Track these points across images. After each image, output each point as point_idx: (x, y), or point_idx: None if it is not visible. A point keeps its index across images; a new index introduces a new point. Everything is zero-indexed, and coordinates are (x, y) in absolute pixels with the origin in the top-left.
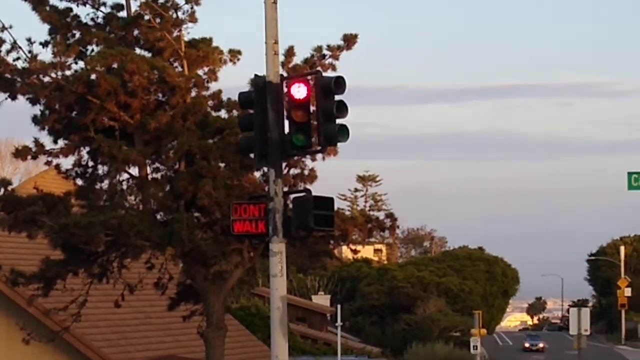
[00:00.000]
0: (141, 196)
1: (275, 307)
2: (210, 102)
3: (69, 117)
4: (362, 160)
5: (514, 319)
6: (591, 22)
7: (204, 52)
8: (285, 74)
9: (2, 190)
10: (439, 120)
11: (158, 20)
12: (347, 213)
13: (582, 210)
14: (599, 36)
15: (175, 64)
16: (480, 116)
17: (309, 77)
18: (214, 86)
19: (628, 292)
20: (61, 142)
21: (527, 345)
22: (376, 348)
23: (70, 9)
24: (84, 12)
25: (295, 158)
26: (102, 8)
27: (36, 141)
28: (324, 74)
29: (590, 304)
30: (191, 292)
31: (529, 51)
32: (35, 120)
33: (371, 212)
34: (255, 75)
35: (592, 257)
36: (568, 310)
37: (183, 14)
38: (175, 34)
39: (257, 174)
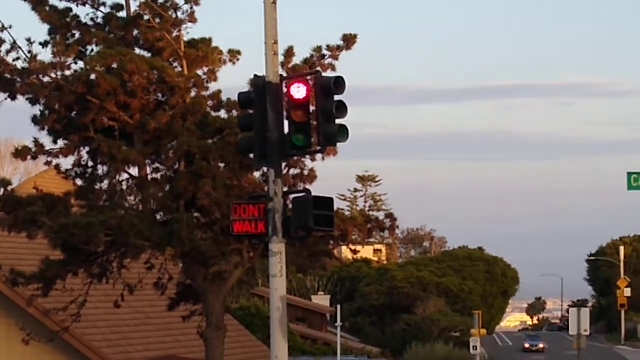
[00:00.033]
0: (141, 196)
1: (275, 307)
2: (210, 103)
3: (68, 117)
4: (362, 161)
5: (513, 319)
6: (591, 22)
7: (203, 52)
8: (285, 74)
9: (2, 190)
10: (438, 120)
11: (158, 20)
12: (347, 213)
13: (582, 210)
14: (599, 36)
15: (175, 64)
16: (480, 116)
17: (308, 78)
18: (213, 86)
19: (628, 292)
20: (61, 143)
21: (527, 345)
22: (376, 348)
23: (70, 9)
24: (84, 12)
25: (295, 158)
26: (102, 8)
27: (36, 141)
28: (324, 74)
29: (590, 304)
30: (191, 292)
31: (529, 51)
32: (35, 120)
33: (371, 213)
34: (255, 75)
35: (592, 258)
36: (568, 311)
37: (183, 14)
38: (175, 34)
39: (257, 174)
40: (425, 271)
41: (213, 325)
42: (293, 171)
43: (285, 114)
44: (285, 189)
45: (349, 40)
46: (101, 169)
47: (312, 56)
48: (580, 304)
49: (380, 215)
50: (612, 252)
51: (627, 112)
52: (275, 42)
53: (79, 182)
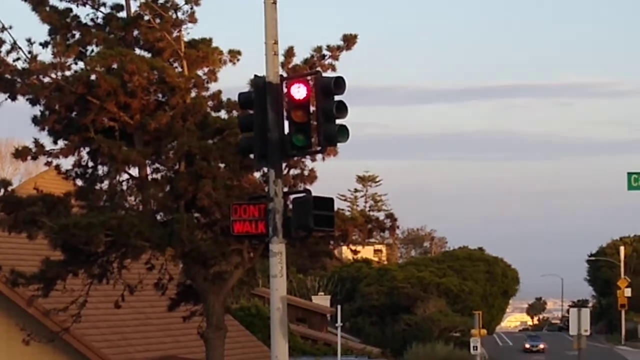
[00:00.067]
0: (141, 197)
1: (275, 307)
2: (210, 103)
3: (68, 117)
4: (362, 161)
5: (514, 319)
6: (591, 22)
7: (203, 52)
8: (285, 75)
9: (2, 190)
10: (438, 120)
11: (158, 20)
12: (347, 213)
13: (582, 210)
14: (599, 36)
15: (175, 65)
16: (480, 116)
17: (308, 78)
18: (213, 86)
19: (628, 292)
20: (61, 143)
21: (527, 346)
22: (376, 348)
23: (70, 10)
24: (84, 13)
25: (295, 158)
26: (102, 8)
27: (36, 142)
28: (324, 74)
29: (590, 305)
30: (191, 292)
31: (529, 51)
32: (35, 120)
33: (371, 213)
34: (255, 75)
35: (592, 258)
36: (568, 311)
37: (183, 14)
38: (175, 34)
39: (257, 175)
40: (425, 271)
41: (213, 325)
42: (293, 171)
43: (285, 114)
44: (286, 189)
45: (349, 40)
46: (101, 169)
47: (312, 56)
48: (580, 304)
49: (381, 216)
50: (612, 252)
51: (627, 112)
52: (276, 42)
53: (79, 182)
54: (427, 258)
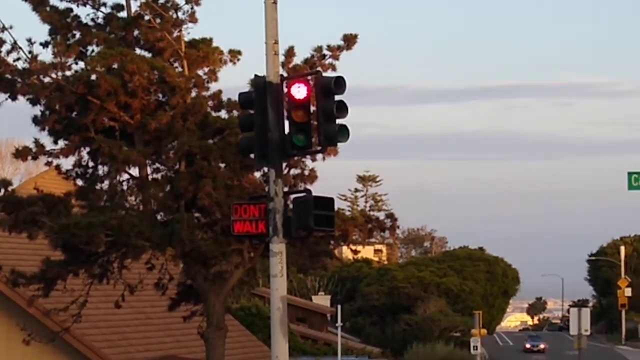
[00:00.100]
0: (141, 196)
1: (276, 307)
2: (210, 103)
3: (69, 117)
4: (362, 161)
5: (514, 319)
6: (591, 22)
7: (204, 52)
8: (285, 74)
9: (3, 190)
10: (438, 120)
11: (158, 20)
12: (348, 213)
13: (582, 210)
14: (599, 36)
15: (176, 64)
16: (479, 116)
17: (309, 77)
18: (214, 86)
19: (628, 292)
20: (61, 143)
21: (528, 346)
22: (376, 348)
23: (71, 10)
24: (84, 13)
25: (296, 158)
26: (102, 8)
27: (36, 142)
28: (324, 74)
29: (590, 304)
30: (191, 292)
31: (529, 51)
32: (35, 120)
33: (371, 213)
34: (255, 75)
35: (592, 257)
36: (568, 311)
37: (183, 14)
38: (176, 34)
39: (258, 174)
40: (425, 271)
41: (214, 325)
42: (293, 171)
43: (285, 114)
44: (286, 189)
45: (349, 40)
46: (102, 169)
47: (312, 56)
48: (580, 304)
49: (381, 215)
50: (613, 252)
51: (627, 112)
52: (276, 42)
53: (80, 182)
54: (428, 258)
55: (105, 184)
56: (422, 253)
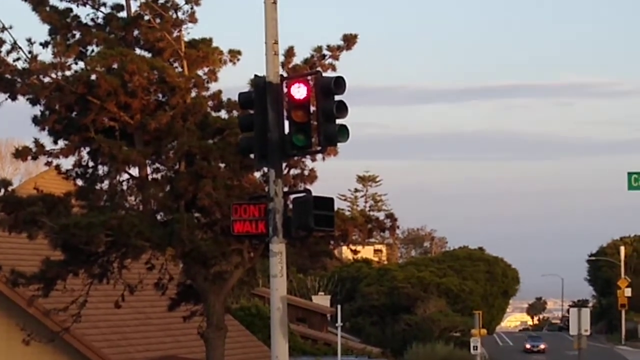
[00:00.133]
0: (141, 196)
1: (276, 307)
2: (210, 103)
3: (69, 117)
4: (362, 161)
5: (514, 319)
6: (591, 22)
7: (204, 52)
8: (285, 74)
9: (3, 190)
10: (438, 120)
11: (158, 20)
12: (347, 213)
13: (582, 210)
14: (599, 36)
15: (175, 64)
16: (479, 116)
17: (309, 78)
18: (214, 86)
19: (628, 292)
20: (61, 143)
21: (528, 346)
22: (376, 348)
23: (71, 10)
24: (84, 13)
25: (295, 158)
26: (102, 8)
27: (36, 142)
28: (324, 74)
29: (590, 304)
30: (191, 292)
31: (529, 51)
32: (35, 120)
33: (371, 213)
34: (255, 75)
35: (592, 258)
36: (568, 311)
37: (183, 14)
38: (175, 34)
39: (257, 175)
40: (425, 271)
41: (213, 325)
42: (293, 171)
43: (285, 114)
44: (286, 189)
45: (349, 40)
46: (101, 169)
47: (312, 56)
48: (580, 304)
49: (381, 215)
50: (613, 252)
51: (627, 112)
52: (276, 42)
53: (80, 182)
54: (427, 258)
55: (105, 184)
56: (422, 253)
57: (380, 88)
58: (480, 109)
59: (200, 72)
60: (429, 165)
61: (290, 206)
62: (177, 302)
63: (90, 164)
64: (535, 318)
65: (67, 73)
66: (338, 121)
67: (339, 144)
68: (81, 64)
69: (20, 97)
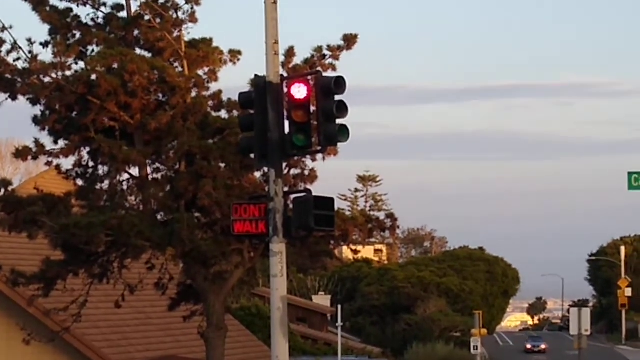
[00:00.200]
0: (142, 196)
1: (276, 307)
2: (210, 103)
3: (69, 117)
4: (362, 160)
5: (514, 319)
6: (591, 22)
7: (204, 52)
8: (285, 74)
9: (3, 190)
10: (438, 120)
11: (158, 20)
12: (348, 213)
13: (582, 210)
14: (599, 36)
15: (176, 64)
16: (479, 116)
17: (309, 77)
18: (214, 86)
19: (628, 292)
20: (61, 143)
21: (528, 346)
22: (377, 348)
23: (71, 10)
24: (84, 13)
25: (296, 158)
26: (102, 8)
27: (36, 141)
28: (324, 74)
29: (590, 304)
30: (191, 292)
31: (529, 51)
32: (35, 120)
33: (371, 213)
34: (256, 75)
35: (593, 257)
36: (568, 311)
37: (183, 14)
38: (176, 34)
39: (258, 174)
40: (425, 271)
41: (214, 325)
42: (294, 171)
43: (285, 114)
44: (286, 189)
45: (349, 40)
46: (102, 169)
47: (312, 56)
48: (581, 304)
49: (381, 215)
50: (613, 252)
51: (627, 112)
52: (276, 42)
53: (80, 182)
54: (428, 258)
55: (105, 184)
56: (422, 253)
57: (380, 88)
58: (480, 109)
59: (200, 72)
60: (429, 165)
61: (291, 206)
62: (177, 302)
63: (91, 164)
64: (536, 318)
65: (67, 73)
66: (338, 121)
67: (339, 144)
68: (81, 64)
69: (20, 97)
